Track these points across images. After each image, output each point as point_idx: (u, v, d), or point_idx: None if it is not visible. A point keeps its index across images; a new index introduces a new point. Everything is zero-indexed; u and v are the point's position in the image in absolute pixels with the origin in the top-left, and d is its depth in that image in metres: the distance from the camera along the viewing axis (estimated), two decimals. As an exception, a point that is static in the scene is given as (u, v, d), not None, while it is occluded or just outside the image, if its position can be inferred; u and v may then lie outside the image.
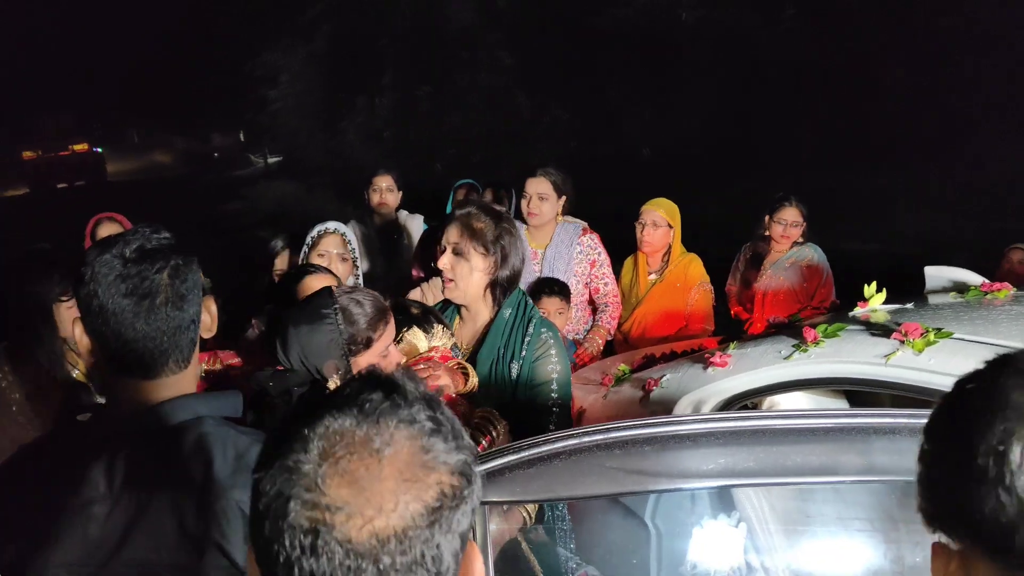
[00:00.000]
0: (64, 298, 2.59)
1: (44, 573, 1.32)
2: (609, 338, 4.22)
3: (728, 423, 1.70)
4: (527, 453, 1.67)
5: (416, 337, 2.33)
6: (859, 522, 1.75)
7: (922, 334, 2.17)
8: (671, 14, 14.90)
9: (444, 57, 17.02)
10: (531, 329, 2.63)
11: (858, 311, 2.65)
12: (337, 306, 2.06)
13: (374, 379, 0.97)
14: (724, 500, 1.78)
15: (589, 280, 4.14)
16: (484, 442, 2.19)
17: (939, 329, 2.18)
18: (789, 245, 4.37)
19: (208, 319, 1.49)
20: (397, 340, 2.29)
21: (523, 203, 4.06)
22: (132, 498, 1.34)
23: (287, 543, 0.87)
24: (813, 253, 4.35)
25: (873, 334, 2.35)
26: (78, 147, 20.68)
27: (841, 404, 2.85)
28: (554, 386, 2.63)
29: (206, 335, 1.50)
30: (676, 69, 14.97)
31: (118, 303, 1.37)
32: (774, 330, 3.20)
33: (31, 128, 20.91)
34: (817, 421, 1.71)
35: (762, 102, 13.61)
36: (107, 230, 4.07)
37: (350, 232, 3.44)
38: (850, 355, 2.32)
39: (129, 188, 19.73)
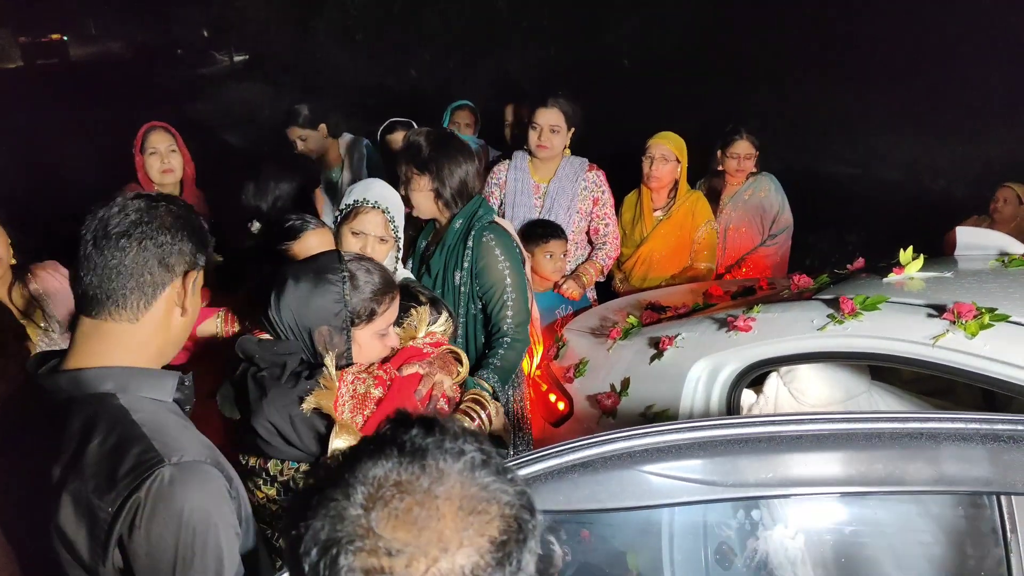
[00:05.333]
0: None
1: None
2: (601, 278, 4.05)
3: (790, 427, 1.56)
4: (569, 457, 1.52)
5: (421, 320, 2.18)
6: (925, 535, 1.65)
7: (975, 316, 2.03)
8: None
9: (421, -46, 16.20)
10: (471, 241, 2.84)
11: (892, 277, 2.50)
12: (346, 271, 1.89)
13: (409, 419, 0.90)
14: (771, 508, 1.66)
15: (590, 219, 3.94)
16: (473, 428, 2.07)
17: (993, 310, 2.05)
18: (744, 177, 4.39)
19: (191, 291, 1.43)
20: (402, 319, 2.15)
21: (532, 134, 3.76)
22: (40, 465, 1.31)
23: None
24: (770, 183, 4.40)
25: (918, 310, 2.20)
26: (54, 36, 26.65)
27: (863, 379, 2.74)
28: (508, 283, 2.83)
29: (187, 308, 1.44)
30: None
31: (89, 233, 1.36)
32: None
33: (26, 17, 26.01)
34: (884, 425, 1.57)
35: (745, 13, 13.21)
36: (158, 138, 3.71)
37: (395, 203, 2.72)
38: (892, 332, 2.18)
39: (90, 76, 20.19)
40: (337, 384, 1.81)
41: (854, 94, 11.56)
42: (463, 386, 2.30)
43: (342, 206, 2.69)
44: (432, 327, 2.22)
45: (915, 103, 10.79)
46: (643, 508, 1.52)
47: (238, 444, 1.93)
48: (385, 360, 2.03)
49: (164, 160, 3.71)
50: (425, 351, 2.10)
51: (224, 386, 1.99)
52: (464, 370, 2.21)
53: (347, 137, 4.51)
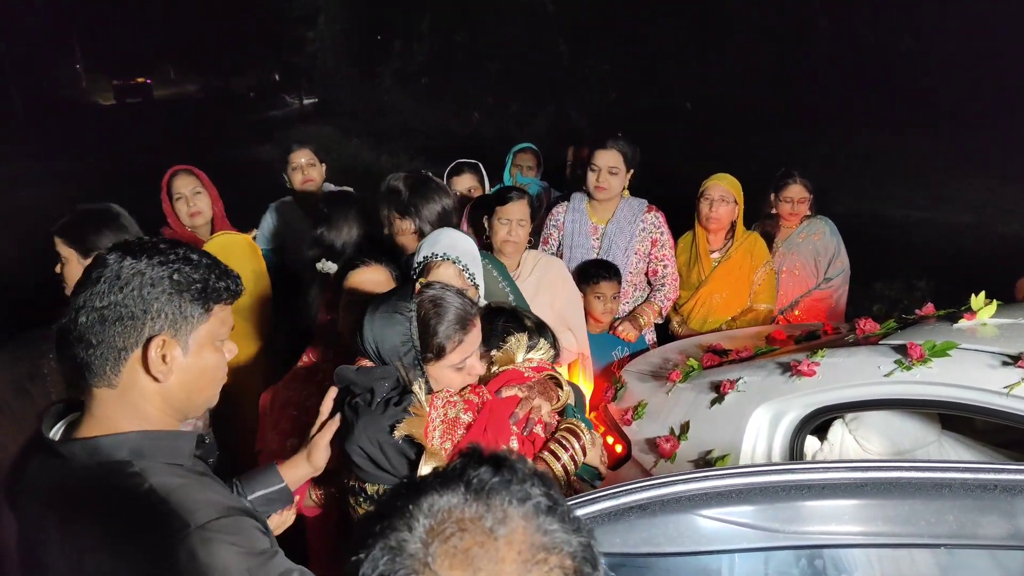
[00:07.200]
0: None
1: None
2: (659, 320, 4.01)
3: (853, 474, 1.51)
4: (626, 500, 1.49)
5: (518, 346, 2.18)
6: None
7: (1053, 364, 1.96)
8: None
9: (483, 2, 16.56)
10: None
11: (963, 323, 2.42)
12: (413, 309, 1.89)
13: (480, 455, 0.88)
14: (828, 562, 1.60)
15: (648, 260, 3.93)
16: (565, 457, 2.04)
17: (1071, 358, 1.97)
18: (798, 221, 4.32)
19: (156, 358, 1.31)
20: (500, 344, 2.17)
21: (591, 175, 3.80)
22: (71, 532, 1.27)
23: None
24: (824, 226, 4.31)
25: (991, 357, 2.13)
26: (140, 79, 31.60)
27: (934, 428, 2.65)
28: (511, 301, 2.79)
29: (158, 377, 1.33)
30: (720, 20, 14.47)
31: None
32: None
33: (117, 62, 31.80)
34: (954, 475, 1.51)
35: (809, 57, 13.15)
36: (182, 182, 3.77)
37: (466, 250, 2.63)
38: (963, 380, 2.10)
39: (171, 115, 22.40)
40: (428, 410, 1.83)
41: (922, 136, 11.37)
42: (562, 413, 2.24)
43: (414, 263, 2.65)
44: (530, 354, 2.23)
45: (984, 144, 10.55)
46: (699, 554, 1.48)
47: (342, 465, 1.98)
48: (484, 381, 2.04)
49: (190, 203, 3.74)
50: (527, 375, 2.10)
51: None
52: (564, 397, 2.18)
53: (330, 186, 4.37)
